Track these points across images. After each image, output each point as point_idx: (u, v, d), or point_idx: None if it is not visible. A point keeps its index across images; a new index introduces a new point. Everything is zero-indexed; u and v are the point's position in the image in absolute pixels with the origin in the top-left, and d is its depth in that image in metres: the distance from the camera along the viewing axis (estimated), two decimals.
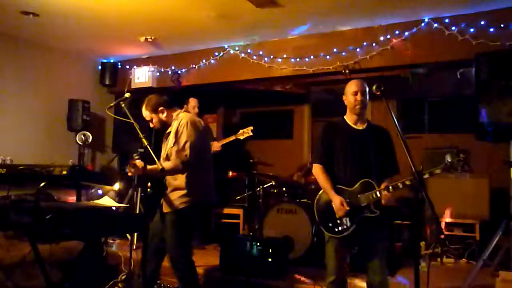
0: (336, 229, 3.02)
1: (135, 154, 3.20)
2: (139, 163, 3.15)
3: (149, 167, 3.05)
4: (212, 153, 5.23)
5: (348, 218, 2.98)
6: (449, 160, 2.68)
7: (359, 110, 3.06)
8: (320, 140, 3.18)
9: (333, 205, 2.98)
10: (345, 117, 3.17)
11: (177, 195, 3.23)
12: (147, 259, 3.07)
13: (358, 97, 3.04)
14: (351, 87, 3.08)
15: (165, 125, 3.40)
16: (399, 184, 2.83)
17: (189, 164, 3.14)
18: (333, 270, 3.08)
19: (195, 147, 3.19)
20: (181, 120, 3.27)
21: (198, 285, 3.44)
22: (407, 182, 2.77)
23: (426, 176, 2.71)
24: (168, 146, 3.32)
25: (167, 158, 3.31)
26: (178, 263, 3.26)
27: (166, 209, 3.27)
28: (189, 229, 3.33)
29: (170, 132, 3.35)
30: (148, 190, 3.31)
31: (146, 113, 3.39)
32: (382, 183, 2.93)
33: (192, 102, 5.43)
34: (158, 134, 3.59)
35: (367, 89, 3.09)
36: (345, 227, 2.99)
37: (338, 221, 3.02)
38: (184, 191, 3.22)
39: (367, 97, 3.08)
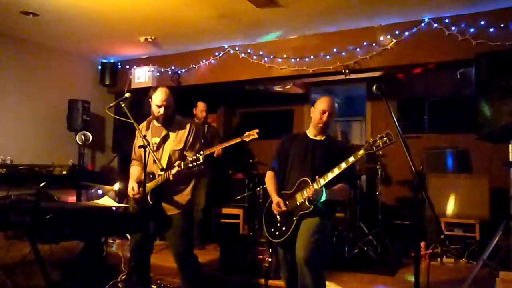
0: (277, 233, 3.06)
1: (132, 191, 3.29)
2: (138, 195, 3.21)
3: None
4: (217, 157, 5.30)
5: (287, 221, 3.00)
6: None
7: (321, 129, 3.11)
8: (276, 149, 3.27)
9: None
10: (307, 131, 3.22)
11: (184, 196, 3.34)
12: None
13: (325, 117, 3.07)
14: (322, 104, 3.11)
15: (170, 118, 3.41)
16: (320, 180, 2.86)
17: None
18: (283, 277, 3.14)
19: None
20: (191, 126, 3.40)
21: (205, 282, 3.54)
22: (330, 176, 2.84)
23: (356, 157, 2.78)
24: (170, 147, 3.33)
25: (170, 159, 3.32)
26: (186, 261, 3.33)
27: (172, 211, 3.30)
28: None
29: (167, 134, 3.35)
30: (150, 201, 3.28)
31: (170, 100, 3.34)
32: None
33: (201, 106, 5.55)
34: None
35: (336, 111, 3.13)
36: (283, 229, 3.02)
37: (278, 225, 3.06)
38: (189, 191, 3.37)
39: (333, 119, 3.12)
